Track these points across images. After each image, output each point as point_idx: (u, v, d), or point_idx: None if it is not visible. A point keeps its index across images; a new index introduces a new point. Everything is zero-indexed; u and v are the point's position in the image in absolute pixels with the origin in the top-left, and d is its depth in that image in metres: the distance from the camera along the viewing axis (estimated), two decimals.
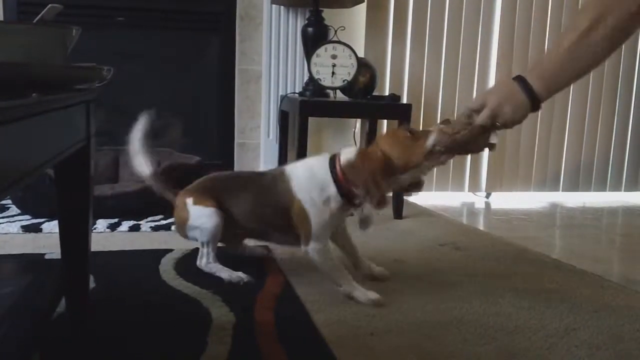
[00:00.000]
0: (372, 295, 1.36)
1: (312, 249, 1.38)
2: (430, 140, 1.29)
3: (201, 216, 1.48)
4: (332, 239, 1.46)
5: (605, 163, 3.29)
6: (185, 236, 1.55)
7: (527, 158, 3.16)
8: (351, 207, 1.39)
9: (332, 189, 1.35)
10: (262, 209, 1.46)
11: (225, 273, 1.48)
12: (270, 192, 1.44)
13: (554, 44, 1.31)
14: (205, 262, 1.51)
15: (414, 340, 1.18)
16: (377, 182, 1.29)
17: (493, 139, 1.33)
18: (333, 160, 1.37)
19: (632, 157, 3.33)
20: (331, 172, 1.36)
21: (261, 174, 1.55)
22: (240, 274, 1.47)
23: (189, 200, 1.51)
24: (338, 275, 1.39)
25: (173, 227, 1.65)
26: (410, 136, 1.33)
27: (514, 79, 1.28)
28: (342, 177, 1.34)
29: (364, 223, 1.43)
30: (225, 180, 1.58)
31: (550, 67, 1.26)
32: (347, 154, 1.36)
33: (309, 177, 1.38)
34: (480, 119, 1.29)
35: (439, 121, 1.43)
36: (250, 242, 1.69)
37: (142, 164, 1.56)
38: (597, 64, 1.26)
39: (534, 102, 1.26)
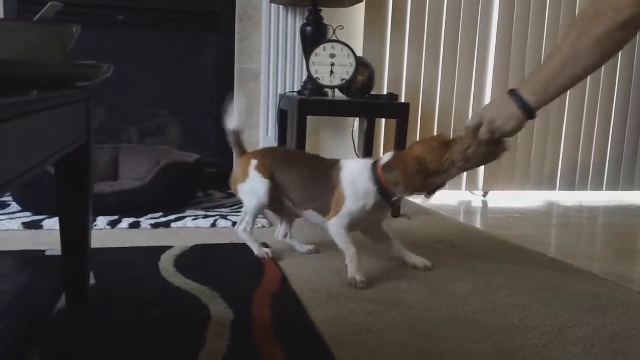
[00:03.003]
0: (359, 276, 1.49)
1: (333, 223, 1.57)
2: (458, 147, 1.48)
3: (255, 185, 1.67)
4: (368, 234, 1.69)
5: (602, 162, 3.30)
6: (236, 193, 1.74)
7: (524, 157, 3.17)
8: (388, 204, 1.59)
9: (373, 186, 1.55)
10: (312, 183, 1.66)
11: (255, 246, 1.70)
12: (325, 173, 1.63)
13: (546, 56, 1.42)
14: (243, 229, 1.71)
15: (410, 337, 1.19)
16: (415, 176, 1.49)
17: (505, 145, 1.49)
18: (375, 164, 1.58)
19: (628, 157, 3.34)
20: (373, 173, 1.56)
21: (320, 158, 1.74)
22: (267, 250, 1.68)
23: (253, 162, 1.68)
24: (346, 248, 1.55)
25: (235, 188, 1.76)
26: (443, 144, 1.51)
27: (508, 92, 1.42)
28: (382, 177, 1.54)
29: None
30: (287, 153, 1.86)
31: (541, 78, 1.37)
32: (385, 159, 1.57)
33: (356, 173, 1.58)
34: (481, 135, 1.45)
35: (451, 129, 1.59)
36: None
37: (235, 120, 1.72)
38: (586, 74, 1.35)
39: (527, 112, 1.39)
